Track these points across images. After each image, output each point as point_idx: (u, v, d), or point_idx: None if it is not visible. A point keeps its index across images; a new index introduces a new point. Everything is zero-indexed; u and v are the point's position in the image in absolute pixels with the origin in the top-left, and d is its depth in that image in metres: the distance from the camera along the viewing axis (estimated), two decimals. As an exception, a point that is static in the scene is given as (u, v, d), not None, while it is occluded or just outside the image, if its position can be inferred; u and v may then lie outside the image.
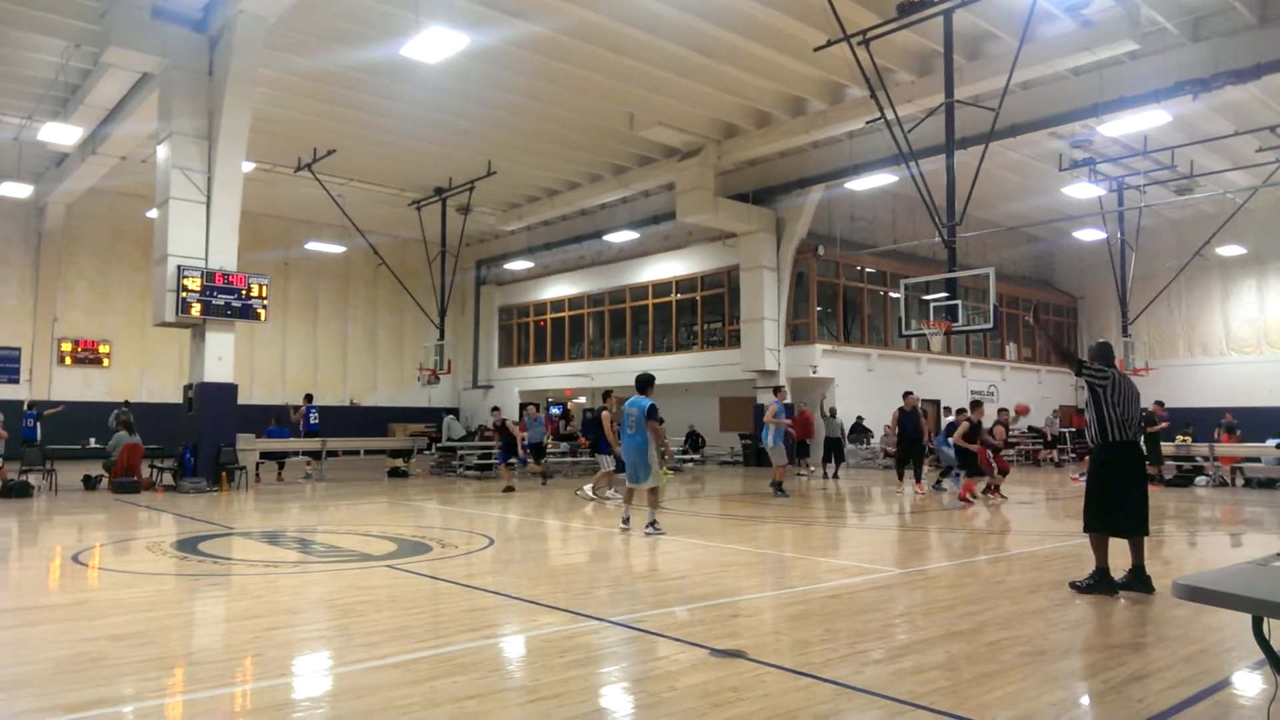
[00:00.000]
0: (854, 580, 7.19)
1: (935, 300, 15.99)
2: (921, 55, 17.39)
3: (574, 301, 30.78)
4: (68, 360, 25.13)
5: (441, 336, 25.10)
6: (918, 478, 16.22)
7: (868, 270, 26.15)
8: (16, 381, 24.27)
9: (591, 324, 30.32)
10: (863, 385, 24.68)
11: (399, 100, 18.72)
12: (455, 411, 31.19)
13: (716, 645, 4.87)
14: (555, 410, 28.99)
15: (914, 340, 17.84)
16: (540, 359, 31.81)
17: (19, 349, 24.60)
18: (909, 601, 6.45)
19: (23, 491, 13.90)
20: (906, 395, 16.21)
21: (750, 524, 11.74)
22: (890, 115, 15.41)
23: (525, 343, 32.79)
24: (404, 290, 26.21)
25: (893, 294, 24.84)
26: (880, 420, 23.63)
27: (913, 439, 16.04)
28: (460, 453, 20.85)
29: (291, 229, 28.21)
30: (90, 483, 15.46)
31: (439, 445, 21.70)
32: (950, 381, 27.39)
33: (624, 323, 29.13)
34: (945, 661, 4.63)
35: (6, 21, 15.12)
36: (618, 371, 28.24)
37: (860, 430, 24.01)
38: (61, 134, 17.85)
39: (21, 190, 21.41)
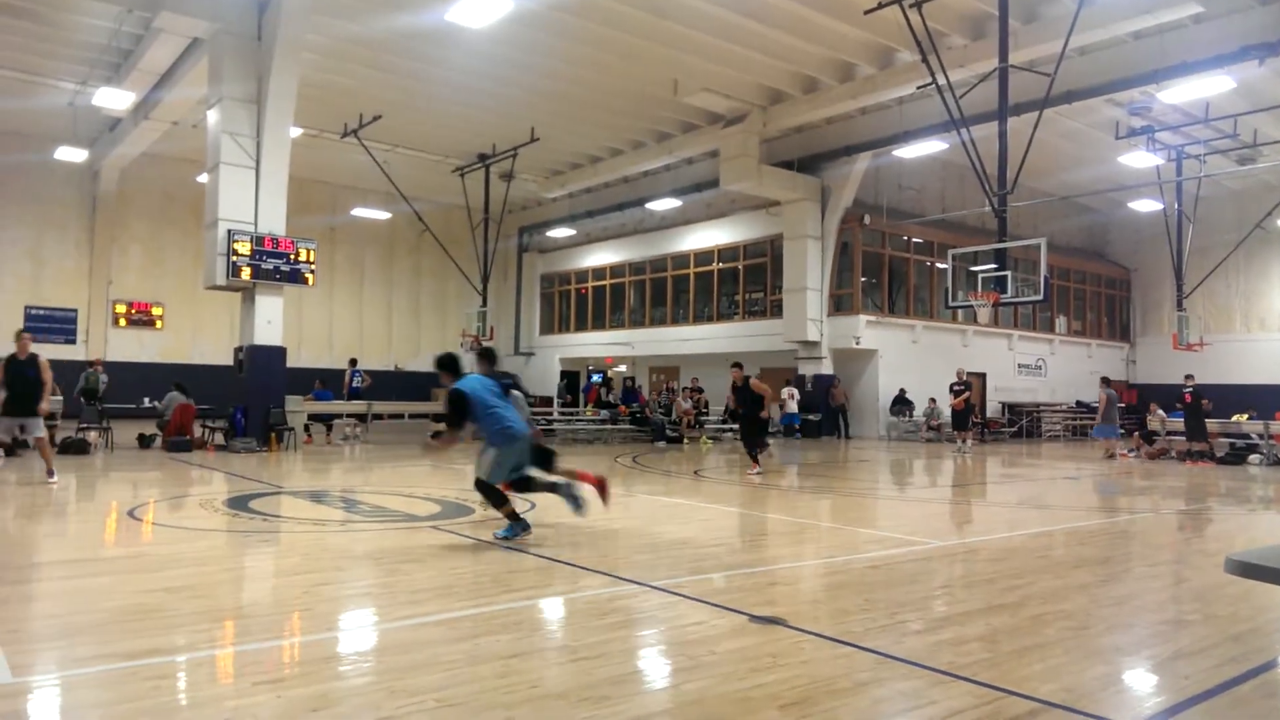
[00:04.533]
0: (894, 551, 7.15)
1: (984, 271, 15.70)
2: (975, 18, 16.91)
3: (615, 269, 30.75)
4: (122, 322, 25.79)
5: (484, 303, 25.26)
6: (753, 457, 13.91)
7: (915, 240, 25.71)
8: (74, 342, 24.99)
9: (632, 292, 30.30)
10: (907, 357, 24.40)
11: (445, 66, 18.72)
12: (497, 377, 31.44)
13: (755, 612, 4.89)
14: (596, 378, 29.13)
15: (960, 312, 17.57)
16: (581, 327, 31.90)
17: (75, 310, 25.30)
18: (950, 574, 6.41)
19: (80, 448, 14.36)
20: (734, 367, 14.41)
21: (789, 494, 11.72)
22: (941, 80, 15.04)
23: (566, 310, 32.89)
24: (447, 256, 26.37)
25: (940, 265, 24.46)
26: (925, 394, 23.37)
27: (748, 414, 13.93)
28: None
29: (338, 195, 28.49)
30: (145, 441, 15.92)
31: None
32: (997, 354, 26.96)
33: (665, 291, 29.07)
34: (986, 634, 4.60)
35: (65, -14, 15.42)
36: (658, 340, 28.24)
37: (902, 403, 23.80)
38: (115, 99, 18.19)
39: (77, 154, 22.01)
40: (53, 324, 24.76)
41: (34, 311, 24.63)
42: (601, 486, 7.48)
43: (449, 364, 7.27)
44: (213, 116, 15.89)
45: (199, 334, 26.61)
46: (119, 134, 22.59)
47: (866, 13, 15.18)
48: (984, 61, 16.07)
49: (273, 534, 7.63)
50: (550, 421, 21.64)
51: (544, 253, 33.25)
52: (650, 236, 29.25)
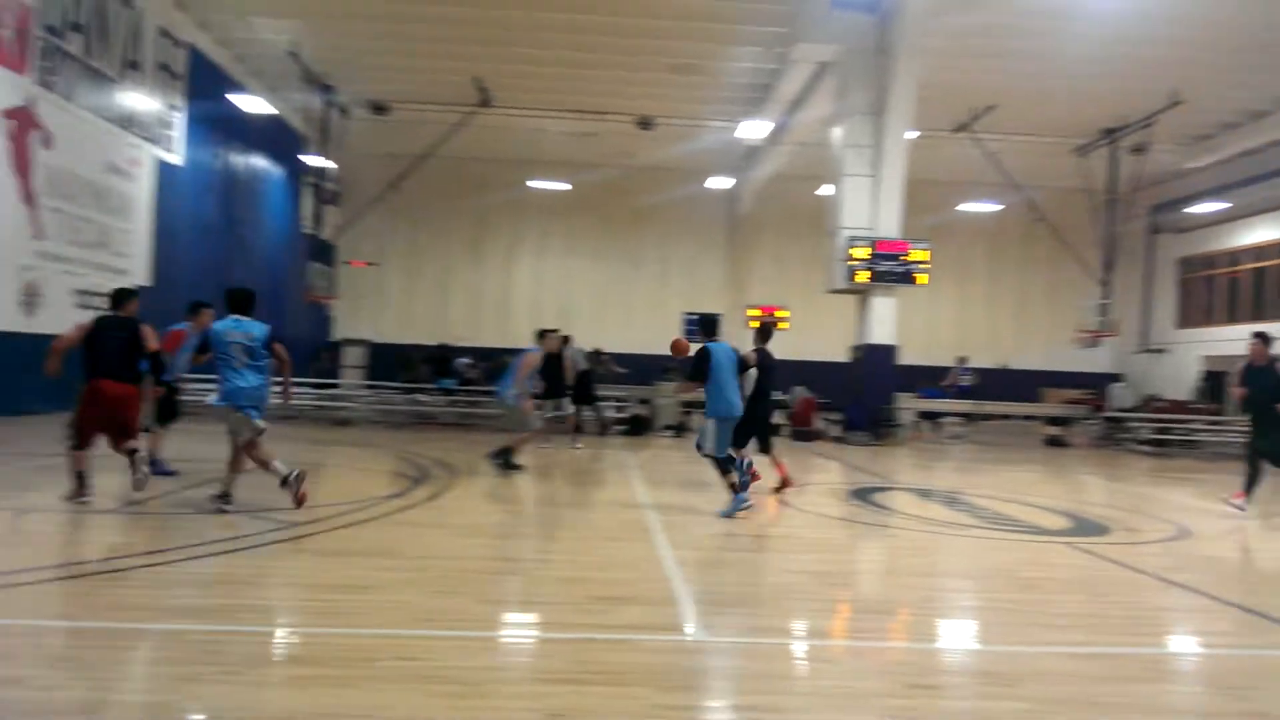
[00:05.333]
0: None
1: None
2: None
3: (1282, 248, 24.94)
4: (754, 324, 29.44)
5: (1105, 295, 22.77)
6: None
7: None
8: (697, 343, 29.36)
9: (1311, 274, 24.22)
10: None
11: (1066, 40, 17.21)
12: (1121, 378, 28.10)
13: None
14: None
15: None
16: (1231, 319, 26.60)
17: (720, 315, 29.66)
18: None
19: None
20: (1256, 338, 9.19)
21: None
22: None
23: (1211, 300, 27.74)
24: (1062, 245, 24.44)
25: None
26: None
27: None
28: (1130, 424, 18.79)
29: (944, 192, 28.33)
30: (775, 430, 17.91)
31: (1104, 415, 19.84)
32: None
33: (1363, 271, 22.60)
34: None
35: (720, 40, 18.26)
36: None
37: None
38: (755, 130, 20.89)
39: (724, 182, 25.86)
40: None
41: (689, 317, 29.55)
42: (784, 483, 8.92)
43: (709, 325, 8.34)
44: (837, 133, 17.20)
45: (814, 333, 28.95)
46: (754, 161, 25.86)
47: None
48: None
49: (899, 530, 7.89)
50: (1192, 431, 18.54)
51: (1181, 232, 28.49)
52: (1340, 203, 23.04)
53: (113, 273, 15.73)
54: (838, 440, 16.81)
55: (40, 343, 7.38)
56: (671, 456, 12.59)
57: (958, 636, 4.80)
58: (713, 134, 23.79)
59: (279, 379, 6.85)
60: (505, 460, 9.61)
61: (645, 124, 23.01)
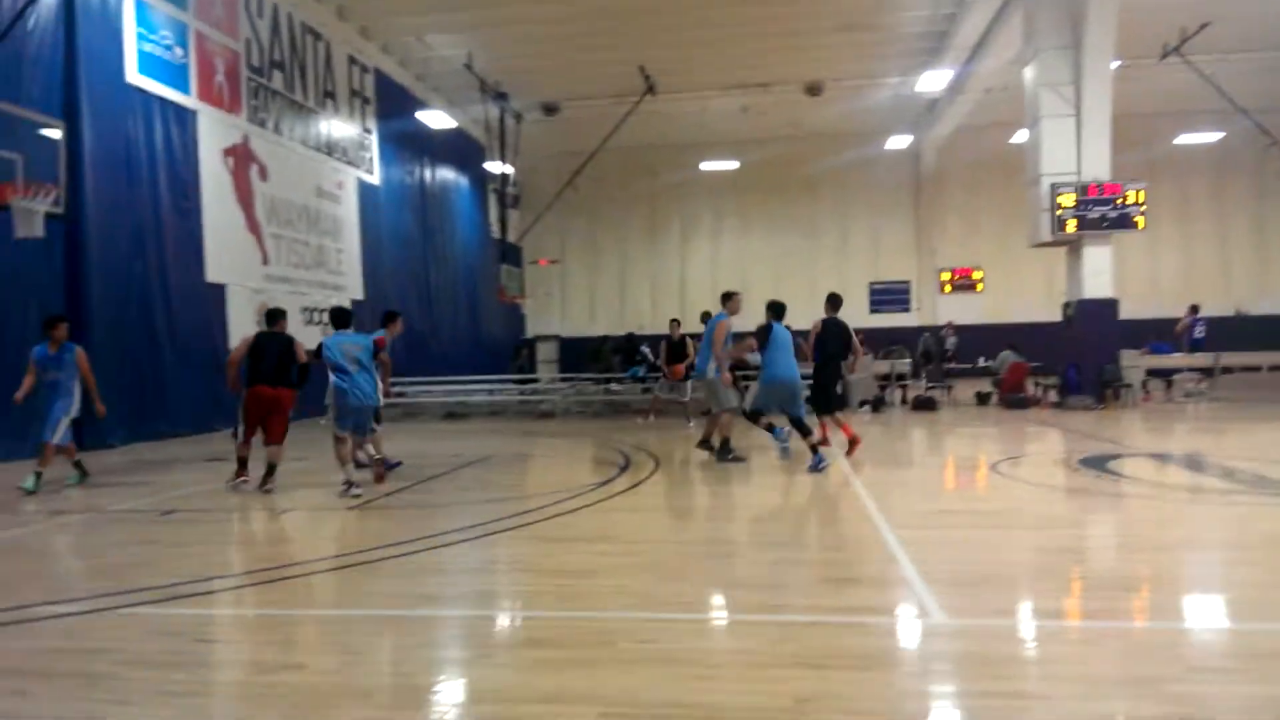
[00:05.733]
0: None
1: None
2: None
3: None
4: (946, 288, 27.97)
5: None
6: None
7: None
8: (907, 310, 28.10)
9: None
10: None
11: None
12: (1389, 315, 24.48)
13: None
14: None
15: None
16: None
17: (908, 281, 28.43)
18: None
19: (928, 405, 15.98)
20: None
21: None
22: None
23: None
24: (1305, 170, 21.54)
25: None
26: None
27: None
28: None
29: (1155, 124, 25.74)
30: (982, 398, 16.90)
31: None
32: None
33: None
34: None
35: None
36: None
37: None
38: (934, 81, 19.78)
39: (903, 141, 24.69)
40: (891, 295, 28.30)
41: (875, 285, 28.48)
42: (853, 442, 9.45)
43: (778, 309, 9.22)
44: (1029, 72, 15.94)
45: (1015, 292, 27.15)
46: (935, 115, 24.52)
47: None
48: None
49: (1142, 500, 7.19)
50: None
51: None
52: None
53: (331, 290, 17.13)
54: (1055, 406, 15.63)
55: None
56: (871, 432, 12.12)
57: (1236, 615, 4.28)
58: (886, 91, 22.83)
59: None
60: (723, 454, 9.49)
61: (813, 90, 22.34)
